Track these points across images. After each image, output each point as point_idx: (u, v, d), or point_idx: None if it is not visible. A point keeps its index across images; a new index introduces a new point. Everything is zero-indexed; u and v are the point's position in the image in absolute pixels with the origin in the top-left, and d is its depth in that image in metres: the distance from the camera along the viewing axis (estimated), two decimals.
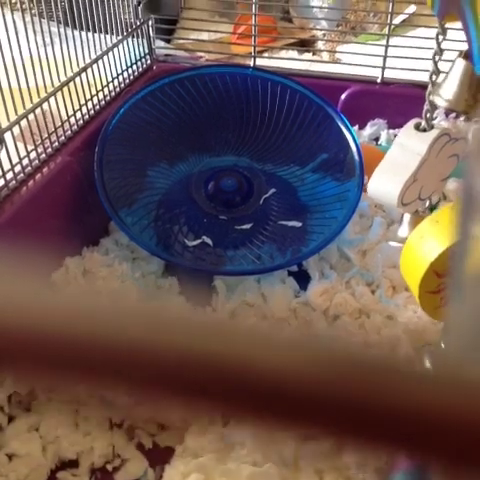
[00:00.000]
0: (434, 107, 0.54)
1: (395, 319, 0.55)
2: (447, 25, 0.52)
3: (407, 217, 0.61)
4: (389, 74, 0.79)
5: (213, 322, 0.13)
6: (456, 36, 0.56)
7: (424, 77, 0.75)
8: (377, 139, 0.80)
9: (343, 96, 0.80)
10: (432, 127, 0.55)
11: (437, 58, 0.54)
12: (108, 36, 0.71)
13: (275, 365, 0.12)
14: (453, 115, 0.77)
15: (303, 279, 0.60)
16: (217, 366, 0.12)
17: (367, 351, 0.12)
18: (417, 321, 0.55)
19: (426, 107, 0.55)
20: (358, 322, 0.55)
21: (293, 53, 1.00)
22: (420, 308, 0.55)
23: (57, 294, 0.13)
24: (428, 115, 0.55)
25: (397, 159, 0.54)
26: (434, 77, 0.55)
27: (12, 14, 0.53)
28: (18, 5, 0.57)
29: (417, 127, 0.55)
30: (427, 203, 0.60)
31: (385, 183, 0.54)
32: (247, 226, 0.64)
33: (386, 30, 0.79)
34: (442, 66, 0.55)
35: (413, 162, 0.53)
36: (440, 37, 0.53)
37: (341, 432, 0.11)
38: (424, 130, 0.55)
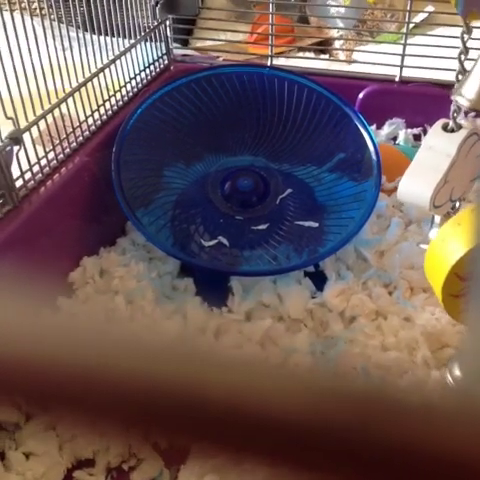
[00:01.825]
0: (461, 107, 0.54)
1: (413, 321, 0.55)
2: (471, 24, 0.51)
3: (437, 219, 0.60)
4: (407, 73, 0.79)
5: (209, 352, 0.12)
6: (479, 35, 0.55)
7: (443, 75, 0.75)
8: (395, 138, 0.79)
9: (361, 95, 0.79)
10: (460, 127, 0.54)
11: (463, 58, 0.53)
12: (126, 38, 0.71)
13: (273, 399, 0.11)
14: (472, 114, 0.76)
15: (320, 280, 0.60)
16: (214, 399, 0.11)
17: (369, 384, 0.11)
18: (435, 323, 0.54)
19: (454, 107, 0.54)
20: (375, 324, 0.55)
21: (310, 54, 1.00)
22: (439, 309, 0.54)
23: (57, 320, 0.13)
24: (456, 115, 0.54)
25: (427, 161, 0.53)
26: (460, 77, 0.54)
27: (32, 19, 0.54)
28: (38, 11, 0.57)
29: (445, 128, 0.54)
30: (457, 204, 0.59)
31: (416, 186, 0.54)
32: (263, 226, 0.64)
33: (404, 29, 0.78)
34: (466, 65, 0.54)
35: (443, 164, 0.52)
36: (465, 36, 0.52)
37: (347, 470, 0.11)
38: (452, 130, 0.54)
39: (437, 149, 0.53)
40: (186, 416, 0.12)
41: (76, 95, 0.62)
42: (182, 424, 0.12)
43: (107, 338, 0.12)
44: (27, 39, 0.53)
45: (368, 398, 0.11)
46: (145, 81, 0.76)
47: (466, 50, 0.53)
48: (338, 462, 0.11)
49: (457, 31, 0.54)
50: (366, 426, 0.10)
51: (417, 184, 0.53)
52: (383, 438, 0.10)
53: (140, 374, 0.12)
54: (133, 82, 0.74)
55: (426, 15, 1.00)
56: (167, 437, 0.13)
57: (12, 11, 0.52)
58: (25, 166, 0.56)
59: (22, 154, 0.54)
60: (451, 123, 0.54)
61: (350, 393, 0.11)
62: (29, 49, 0.53)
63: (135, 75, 0.74)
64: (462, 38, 0.53)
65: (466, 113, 0.77)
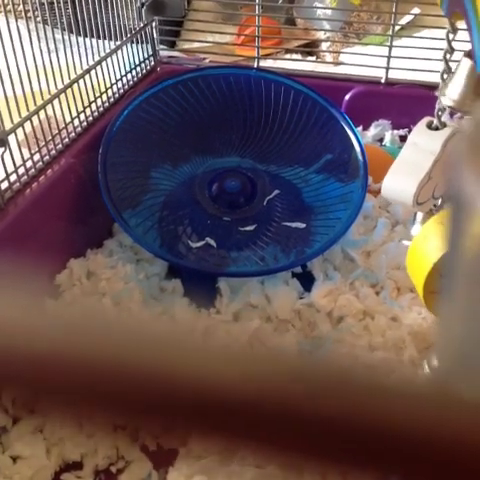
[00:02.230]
0: (445, 107, 0.54)
1: (400, 321, 0.55)
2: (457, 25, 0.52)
3: (420, 216, 0.60)
4: (393, 75, 0.79)
5: (171, 334, 0.12)
6: (464, 36, 0.56)
7: (428, 77, 0.75)
8: (381, 140, 0.80)
9: (347, 97, 0.80)
10: (444, 125, 0.54)
11: (448, 57, 0.53)
12: (112, 40, 0.71)
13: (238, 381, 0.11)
14: (458, 114, 0.77)
15: (307, 280, 0.60)
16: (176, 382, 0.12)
17: (342, 365, 0.11)
18: (422, 323, 0.55)
19: (438, 106, 0.54)
20: (362, 324, 0.55)
21: (297, 56, 1.00)
22: (425, 309, 0.55)
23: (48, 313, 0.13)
24: (440, 113, 0.54)
25: (410, 158, 0.54)
26: (445, 76, 0.54)
27: (16, 21, 0.54)
28: (23, 13, 0.57)
29: (429, 126, 0.54)
30: (439, 202, 0.59)
31: (399, 183, 0.54)
32: (251, 227, 0.64)
33: (390, 31, 0.79)
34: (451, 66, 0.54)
35: (427, 161, 0.53)
36: (450, 36, 0.53)
37: (319, 454, 0.11)
38: (436, 128, 0.54)
39: (421, 146, 0.54)
40: (175, 406, 0.12)
41: (62, 97, 0.62)
42: (171, 414, 0.12)
43: (94, 329, 0.12)
44: (12, 41, 0.53)
45: (348, 382, 0.11)
46: (131, 83, 0.76)
47: (451, 49, 0.53)
48: (324, 446, 0.11)
49: (442, 33, 0.54)
50: (346, 409, 0.10)
51: (401, 181, 0.54)
52: (362, 421, 0.10)
53: (129, 365, 0.12)
54: (119, 83, 0.74)
55: (412, 17, 1.00)
56: (155, 429, 0.13)
57: None
58: (10, 168, 0.56)
59: (7, 156, 0.54)
60: (435, 121, 0.54)
61: (332, 378, 0.11)
62: (14, 51, 0.53)
63: (121, 77, 0.74)
64: (447, 38, 0.53)
65: (452, 114, 0.77)
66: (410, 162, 0.53)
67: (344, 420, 0.10)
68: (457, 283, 0.13)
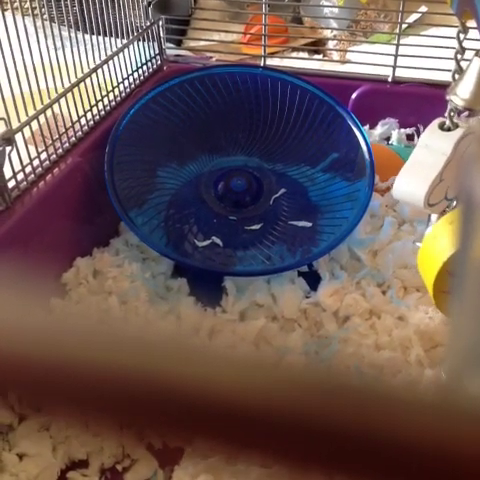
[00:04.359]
0: (456, 107, 0.54)
1: (406, 320, 0.55)
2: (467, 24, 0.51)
3: (434, 217, 0.60)
4: (400, 73, 0.79)
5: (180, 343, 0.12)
6: (475, 35, 0.55)
7: (436, 76, 0.75)
8: (388, 138, 0.80)
9: (354, 95, 0.79)
10: (457, 126, 0.54)
11: (459, 57, 0.53)
12: (119, 38, 0.71)
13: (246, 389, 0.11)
14: (465, 113, 0.76)
15: (313, 279, 0.60)
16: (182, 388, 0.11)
17: (344, 375, 0.11)
18: (428, 322, 0.54)
19: (450, 106, 0.54)
20: (369, 323, 0.55)
21: (304, 55, 1.00)
22: (432, 308, 0.54)
23: (52, 318, 0.13)
24: (452, 114, 0.54)
25: (422, 159, 0.53)
26: (456, 76, 0.54)
27: (23, 19, 0.54)
28: (30, 10, 0.57)
29: (441, 126, 0.54)
30: (454, 203, 0.59)
31: (411, 184, 0.54)
32: (257, 226, 0.64)
33: (397, 30, 0.78)
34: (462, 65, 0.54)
35: (439, 162, 0.52)
36: (461, 35, 0.52)
37: (329, 464, 0.11)
38: (448, 129, 0.54)
39: (433, 147, 0.53)
40: (180, 411, 0.12)
41: (69, 95, 0.62)
42: (176, 419, 0.12)
43: (101, 334, 0.12)
44: (19, 39, 0.53)
45: (358, 392, 0.11)
46: (138, 81, 0.76)
47: (462, 49, 0.53)
48: (329, 453, 0.11)
49: (450, 31, 0.54)
50: (358, 419, 0.10)
51: (412, 182, 0.54)
52: (369, 430, 0.10)
53: (134, 369, 0.12)
54: (126, 82, 0.74)
55: (419, 15, 1.00)
56: (160, 433, 0.13)
57: (3, 11, 0.51)
58: (17, 167, 0.56)
59: (14, 154, 0.54)
60: (447, 122, 0.54)
61: (339, 387, 0.11)
62: (21, 49, 0.53)
63: (128, 75, 0.74)
64: (458, 37, 0.53)
65: (459, 113, 0.77)
66: (422, 163, 0.53)
67: (350, 428, 0.10)
68: (467, 282, 0.13)
